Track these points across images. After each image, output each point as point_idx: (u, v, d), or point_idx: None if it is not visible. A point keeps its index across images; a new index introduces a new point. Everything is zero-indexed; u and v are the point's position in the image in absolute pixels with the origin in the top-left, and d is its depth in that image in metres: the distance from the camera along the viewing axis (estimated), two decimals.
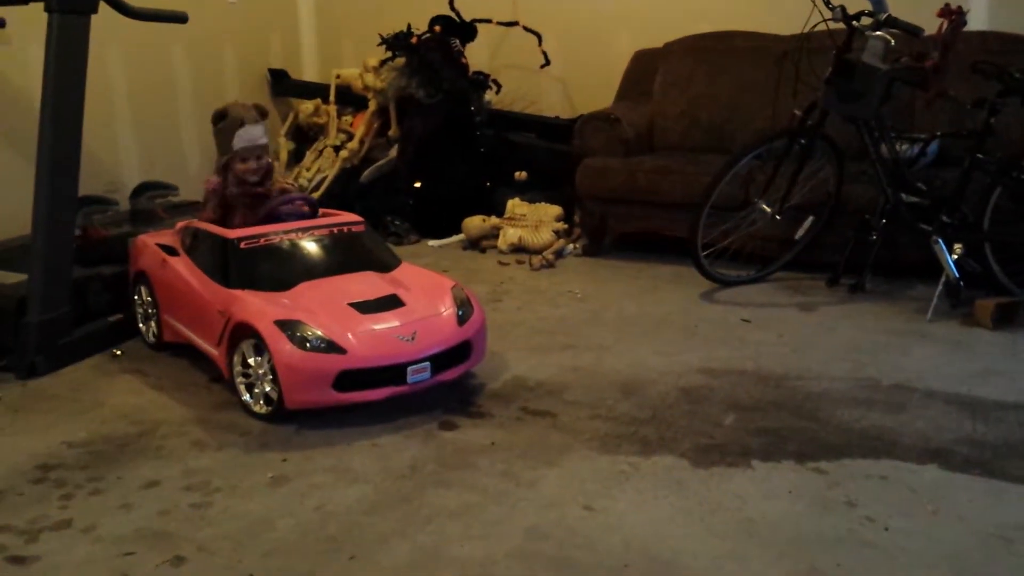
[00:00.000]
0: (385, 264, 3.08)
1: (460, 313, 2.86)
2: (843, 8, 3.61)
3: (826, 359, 3.13)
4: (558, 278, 4.20)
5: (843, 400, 2.80)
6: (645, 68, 4.88)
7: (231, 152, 3.09)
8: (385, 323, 2.72)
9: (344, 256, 3.05)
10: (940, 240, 3.54)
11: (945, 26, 3.64)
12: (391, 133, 5.26)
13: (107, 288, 3.48)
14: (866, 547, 2.04)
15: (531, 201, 4.78)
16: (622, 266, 4.38)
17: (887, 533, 2.09)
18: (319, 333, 2.63)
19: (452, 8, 5.14)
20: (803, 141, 3.78)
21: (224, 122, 3.10)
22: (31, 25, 3.46)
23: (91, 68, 3.24)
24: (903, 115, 4.10)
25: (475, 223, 4.75)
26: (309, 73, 6.06)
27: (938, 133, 3.85)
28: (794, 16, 3.68)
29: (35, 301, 3.11)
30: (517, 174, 4.99)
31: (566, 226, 4.70)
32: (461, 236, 4.84)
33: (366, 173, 5.14)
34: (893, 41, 3.59)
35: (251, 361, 2.72)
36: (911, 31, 3.52)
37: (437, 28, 5.05)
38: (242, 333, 2.73)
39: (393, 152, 5.17)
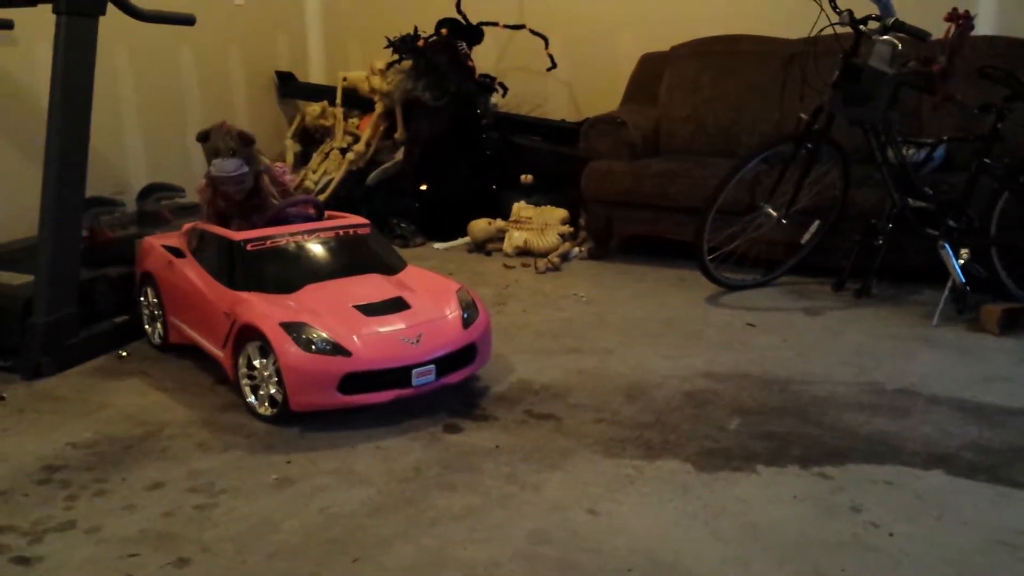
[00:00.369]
0: (390, 267, 3.09)
1: (465, 316, 2.86)
2: (850, 12, 3.61)
3: (831, 363, 3.12)
4: (563, 281, 4.20)
5: (848, 405, 2.79)
6: (651, 71, 4.88)
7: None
8: (390, 326, 2.72)
9: (350, 258, 3.05)
10: (946, 245, 3.53)
11: (952, 30, 3.63)
12: (397, 136, 5.26)
13: (113, 289, 3.49)
14: (870, 552, 2.04)
15: (537, 204, 4.78)
16: (627, 269, 4.38)
17: (892, 538, 2.08)
18: (324, 335, 2.63)
19: (459, 11, 5.15)
20: (809, 145, 3.78)
21: (206, 144, 3.12)
22: (39, 27, 3.48)
23: (99, 70, 3.25)
24: (910, 119, 4.09)
25: (480, 226, 4.75)
26: (316, 75, 6.07)
27: (945, 138, 3.84)
28: (801, 20, 3.67)
29: (41, 302, 3.12)
30: (523, 177, 4.99)
31: (571, 229, 4.70)
32: (466, 239, 4.84)
33: (372, 175, 5.15)
34: (900, 45, 3.58)
35: (256, 363, 2.73)
36: (918, 35, 3.52)
37: (444, 31, 5.05)
38: (247, 335, 2.73)
39: (399, 155, 5.18)
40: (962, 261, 3.50)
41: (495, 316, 3.39)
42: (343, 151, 5.31)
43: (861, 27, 3.62)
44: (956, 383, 2.94)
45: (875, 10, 3.60)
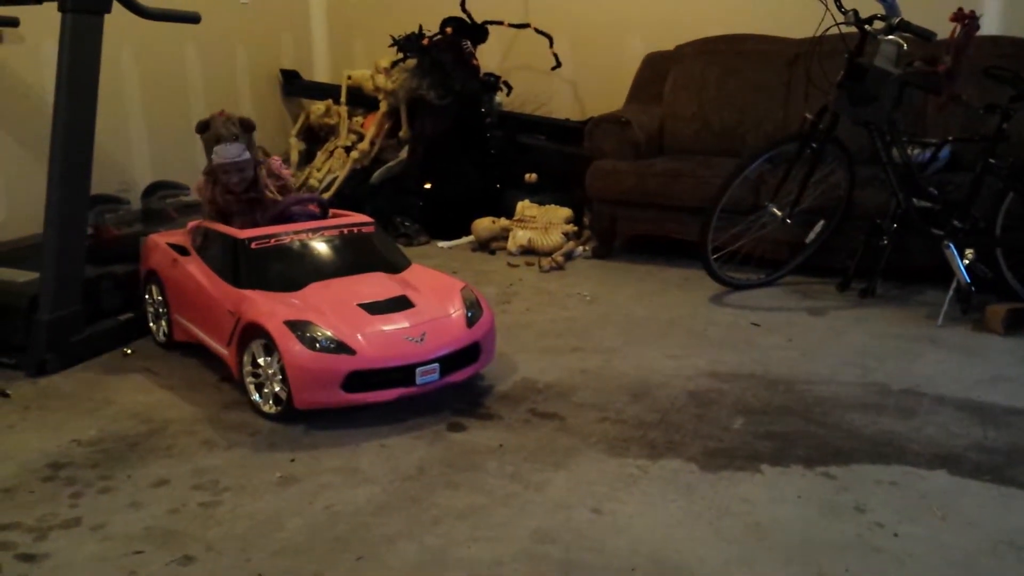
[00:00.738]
0: (395, 265, 3.09)
1: (469, 315, 2.87)
2: (855, 12, 3.60)
3: (836, 364, 3.12)
4: (567, 280, 4.20)
5: (852, 405, 2.79)
6: (656, 71, 4.88)
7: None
8: (394, 324, 2.73)
9: (354, 257, 3.05)
10: (951, 245, 3.52)
11: (958, 30, 3.63)
12: (402, 134, 5.26)
13: (118, 287, 3.49)
14: (875, 552, 2.03)
15: (541, 203, 4.78)
16: (631, 269, 4.37)
17: (896, 539, 2.08)
18: (328, 334, 2.64)
19: (464, 10, 5.15)
20: (814, 145, 3.77)
21: (206, 134, 3.12)
22: (45, 24, 3.48)
23: (104, 68, 3.25)
24: (915, 119, 4.09)
25: (485, 225, 4.75)
26: (320, 74, 6.07)
27: (950, 138, 3.83)
28: (806, 19, 3.67)
29: (47, 299, 3.13)
30: (527, 176, 4.99)
31: (576, 228, 4.70)
32: (470, 237, 4.84)
33: (376, 174, 5.15)
34: (905, 45, 3.58)
35: (261, 361, 2.73)
36: (923, 35, 3.51)
37: (449, 30, 5.05)
38: (252, 333, 2.74)
39: (403, 153, 5.18)
40: (967, 261, 3.50)
41: (499, 315, 3.39)
42: (347, 149, 5.32)
43: (866, 27, 3.61)
44: (961, 383, 2.94)
45: (880, 10, 3.60)
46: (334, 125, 5.57)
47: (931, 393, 2.87)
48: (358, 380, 2.63)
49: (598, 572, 1.98)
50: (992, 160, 3.51)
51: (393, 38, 5.20)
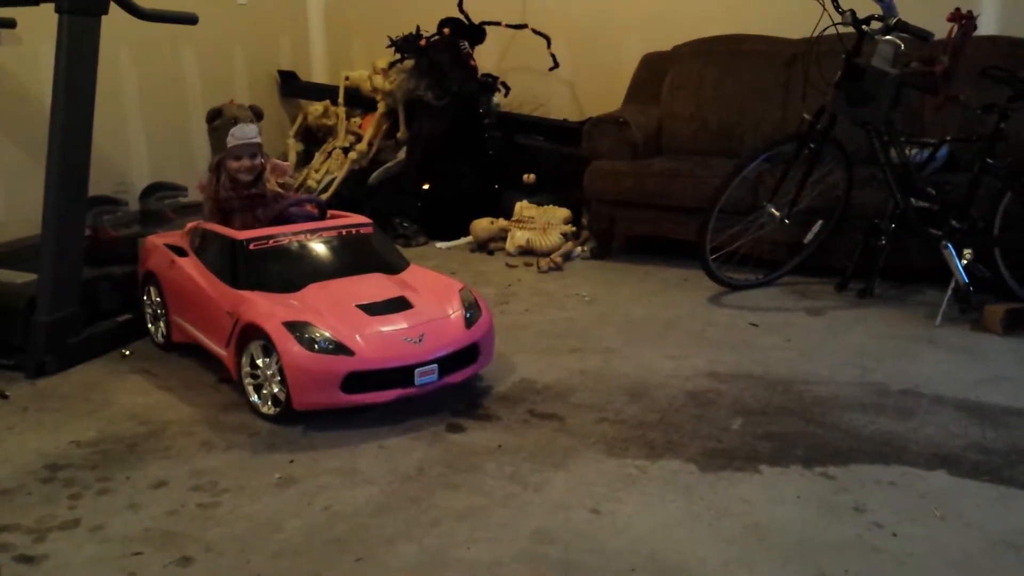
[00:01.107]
0: (393, 266, 3.09)
1: (468, 315, 2.87)
2: (853, 12, 3.60)
3: (834, 364, 3.12)
4: (566, 281, 4.20)
5: (851, 405, 2.79)
6: (654, 71, 4.88)
7: (224, 151, 3.12)
8: (393, 325, 2.72)
9: (352, 258, 3.05)
10: (950, 245, 3.52)
11: (955, 30, 3.63)
12: (400, 135, 5.26)
13: (116, 288, 3.49)
14: (874, 553, 2.03)
15: (539, 204, 4.78)
16: (630, 269, 4.38)
17: (895, 539, 2.08)
18: (327, 335, 2.63)
19: (461, 10, 5.15)
20: (812, 145, 3.77)
21: (219, 120, 3.12)
22: (42, 26, 3.48)
23: (101, 69, 3.25)
24: (913, 120, 4.09)
25: (483, 225, 4.75)
26: (318, 75, 6.07)
27: (948, 138, 3.83)
28: (803, 19, 3.67)
29: (45, 301, 3.12)
30: (525, 177, 4.99)
31: (574, 229, 4.70)
32: (469, 238, 4.84)
33: (374, 175, 5.15)
34: (903, 45, 3.58)
35: (259, 362, 2.73)
36: (921, 35, 3.52)
37: (446, 30, 5.05)
38: (250, 334, 2.74)
39: (402, 154, 5.18)
40: (965, 261, 3.50)
41: (497, 316, 3.38)
42: (345, 150, 5.31)
43: (864, 27, 3.62)
44: (959, 383, 2.94)
45: (878, 10, 3.60)
46: (332, 126, 5.57)
47: (930, 393, 2.87)
48: (357, 381, 2.63)
49: (597, 573, 1.98)
50: (990, 160, 3.51)
51: (391, 39, 5.20)
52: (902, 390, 2.90)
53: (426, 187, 5.02)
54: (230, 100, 3.18)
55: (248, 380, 2.78)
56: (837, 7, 3.61)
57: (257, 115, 3.18)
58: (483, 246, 4.75)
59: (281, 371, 2.63)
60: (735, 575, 1.97)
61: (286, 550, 2.07)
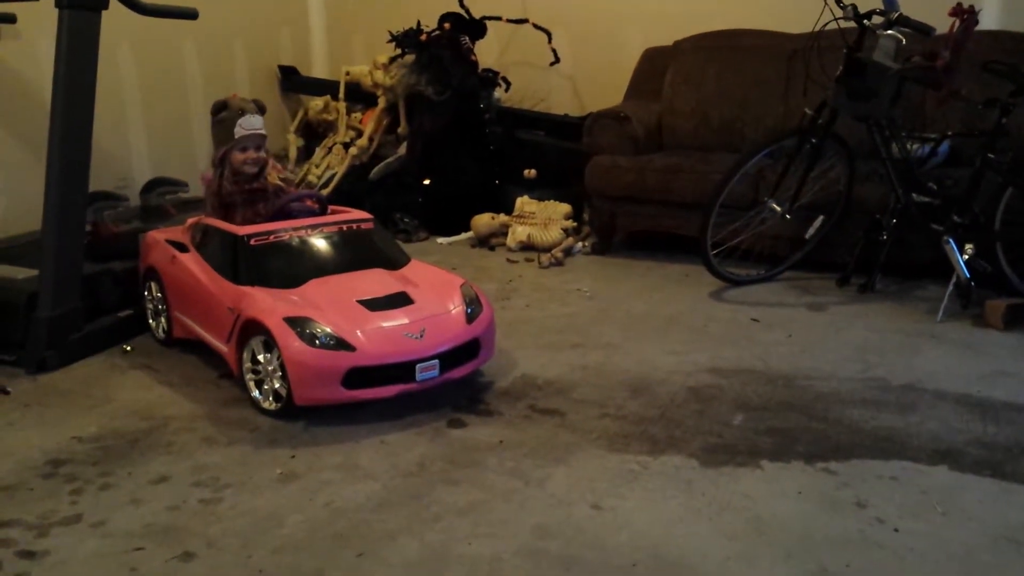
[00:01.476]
0: (394, 261, 3.09)
1: (469, 311, 2.86)
2: (854, 7, 3.60)
3: (836, 359, 3.12)
4: (567, 276, 4.20)
5: (853, 400, 2.79)
6: (655, 66, 4.87)
7: (228, 144, 3.13)
8: (394, 320, 2.72)
9: (353, 253, 3.05)
10: (951, 240, 3.52)
11: (957, 25, 3.63)
12: (400, 130, 5.26)
13: (117, 284, 3.49)
14: (875, 548, 2.03)
15: (540, 199, 4.78)
16: (631, 264, 4.37)
17: (897, 534, 2.08)
18: (328, 330, 2.63)
19: (462, 5, 5.14)
20: (813, 140, 3.77)
21: (224, 112, 3.12)
22: (42, 21, 3.47)
23: (102, 64, 3.25)
24: (914, 115, 4.09)
25: (484, 221, 4.75)
26: (319, 70, 6.07)
27: (949, 133, 3.83)
28: (805, 14, 3.67)
29: (46, 296, 3.13)
30: (526, 172, 4.99)
31: (575, 224, 4.70)
32: (470, 233, 4.84)
33: (375, 170, 5.14)
34: (904, 40, 3.58)
35: (260, 358, 2.73)
36: (922, 30, 3.51)
37: (447, 25, 5.05)
38: (252, 330, 2.74)
39: (402, 149, 5.18)
40: (967, 256, 3.50)
41: (498, 311, 3.38)
42: (346, 146, 5.31)
43: (865, 22, 3.62)
44: (961, 379, 2.94)
45: (879, 5, 3.59)
46: (332, 121, 5.57)
47: (931, 388, 2.87)
48: (358, 376, 2.63)
49: (598, 568, 1.98)
50: (991, 155, 3.51)
51: (391, 34, 5.19)
52: (903, 385, 2.90)
53: (427, 182, 5.02)
54: (233, 94, 3.18)
55: (249, 376, 2.78)
56: (838, 2, 3.61)
57: (260, 109, 3.20)
58: (484, 241, 4.75)
59: (282, 367, 2.63)
60: (736, 570, 1.97)
61: (288, 545, 2.08)
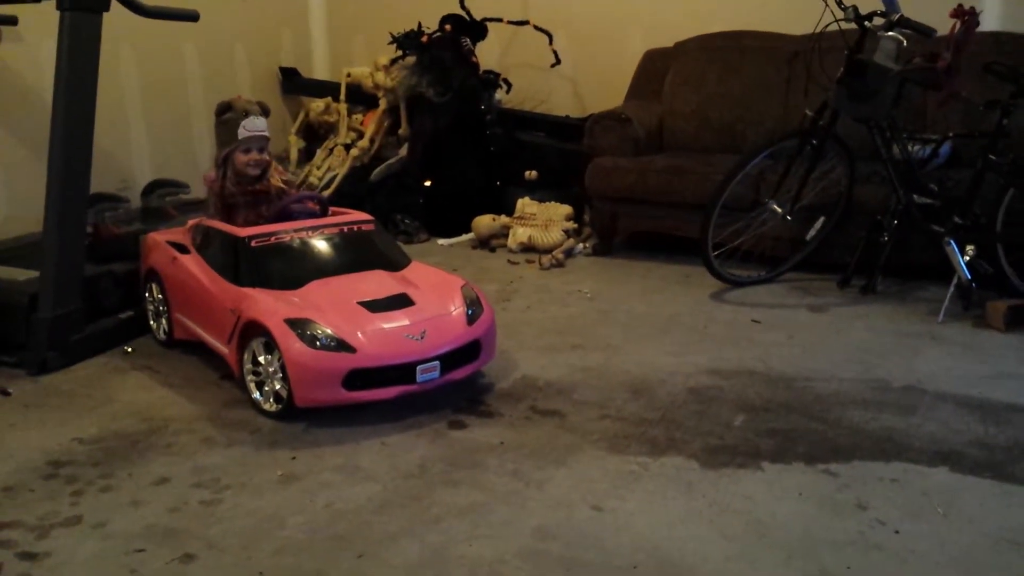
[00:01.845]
0: (395, 263, 3.09)
1: (470, 312, 2.86)
2: (855, 8, 3.60)
3: (837, 360, 3.12)
4: (568, 277, 4.20)
5: (853, 402, 2.79)
6: (656, 67, 4.88)
7: (231, 145, 3.13)
8: (395, 322, 2.72)
9: (354, 255, 3.05)
10: (952, 242, 3.52)
11: (958, 27, 3.62)
12: (401, 132, 5.26)
13: (118, 285, 3.50)
14: (876, 549, 2.03)
15: (541, 200, 4.78)
16: (632, 266, 4.37)
17: (897, 535, 2.08)
18: (329, 332, 2.63)
19: (463, 7, 5.14)
20: (814, 141, 3.77)
21: (229, 113, 3.12)
22: (44, 23, 3.48)
23: (103, 66, 3.25)
24: (915, 116, 4.09)
25: (485, 222, 4.75)
26: (320, 71, 6.07)
27: (950, 134, 3.83)
28: (806, 16, 3.67)
29: (47, 298, 3.13)
30: (527, 173, 4.99)
31: (576, 225, 4.70)
32: (471, 235, 4.84)
33: (376, 171, 5.15)
34: (905, 42, 3.57)
35: (261, 359, 2.73)
36: (923, 32, 3.51)
37: (448, 27, 5.05)
38: (252, 331, 2.74)
39: (403, 151, 5.18)
40: (967, 257, 3.50)
41: (499, 312, 3.38)
42: (347, 147, 5.32)
43: (866, 23, 3.61)
44: (962, 380, 2.93)
45: (880, 6, 3.59)
46: (334, 123, 5.57)
47: (932, 390, 2.87)
48: (359, 378, 2.63)
49: (599, 570, 1.98)
50: (992, 156, 3.51)
51: (392, 35, 5.20)
52: (904, 386, 2.90)
53: (428, 184, 5.02)
54: (238, 96, 3.19)
55: (250, 377, 2.78)
56: (839, 3, 3.61)
57: (265, 111, 3.21)
58: (485, 243, 4.75)
59: (283, 368, 2.63)
60: (737, 572, 1.97)
61: (288, 547, 2.08)
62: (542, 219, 4.65)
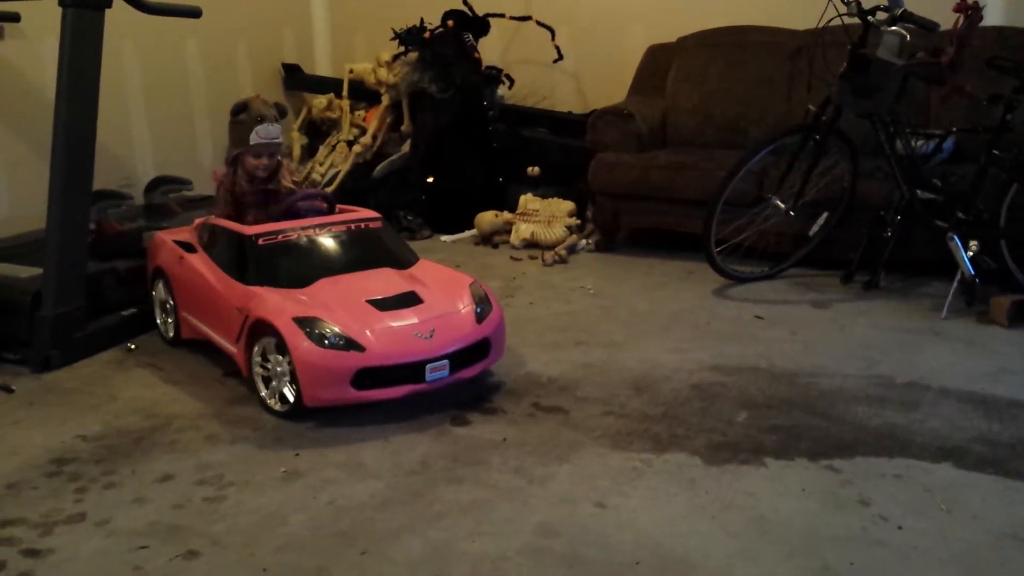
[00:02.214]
0: (403, 261, 3.08)
1: (478, 310, 2.85)
2: (858, 3, 3.59)
3: (840, 356, 3.12)
4: (571, 274, 4.20)
5: (856, 398, 2.79)
6: (658, 63, 4.87)
7: (244, 146, 3.11)
8: (403, 320, 2.71)
9: (362, 253, 3.04)
10: (955, 237, 3.51)
11: (961, 21, 3.61)
12: (404, 128, 5.26)
13: (121, 282, 3.49)
14: (879, 546, 2.03)
15: (544, 196, 4.78)
16: (635, 262, 4.37)
17: (900, 532, 2.08)
18: (337, 330, 2.62)
19: (465, 3, 5.13)
20: (817, 137, 3.76)
21: (244, 115, 3.12)
22: (46, 20, 3.48)
23: (105, 62, 3.25)
24: (919, 111, 4.08)
25: (488, 218, 4.75)
26: (322, 68, 6.06)
27: (954, 129, 3.82)
28: (809, 11, 3.66)
29: (50, 295, 3.13)
30: (530, 169, 4.99)
31: (579, 221, 4.70)
32: (473, 231, 4.84)
33: (379, 168, 5.15)
34: (909, 36, 3.57)
35: (269, 358, 2.72)
36: (927, 26, 3.50)
37: (450, 22, 5.04)
38: (260, 330, 2.72)
39: (406, 147, 5.18)
40: (971, 253, 3.49)
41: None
42: (350, 143, 5.31)
43: (869, 18, 3.60)
44: (965, 376, 2.93)
45: (883, 1, 3.59)
46: (336, 119, 5.57)
47: (935, 386, 2.87)
48: (368, 377, 2.61)
49: (602, 566, 1.98)
50: (996, 151, 3.50)
51: (394, 31, 5.19)
52: (907, 383, 2.90)
53: (430, 180, 5.02)
54: (256, 95, 3.18)
55: (259, 375, 2.77)
56: None
57: (281, 113, 3.20)
58: (488, 239, 4.75)
59: (292, 367, 2.62)
60: (740, 568, 1.97)
61: (291, 543, 2.08)
62: (545, 215, 4.64)
